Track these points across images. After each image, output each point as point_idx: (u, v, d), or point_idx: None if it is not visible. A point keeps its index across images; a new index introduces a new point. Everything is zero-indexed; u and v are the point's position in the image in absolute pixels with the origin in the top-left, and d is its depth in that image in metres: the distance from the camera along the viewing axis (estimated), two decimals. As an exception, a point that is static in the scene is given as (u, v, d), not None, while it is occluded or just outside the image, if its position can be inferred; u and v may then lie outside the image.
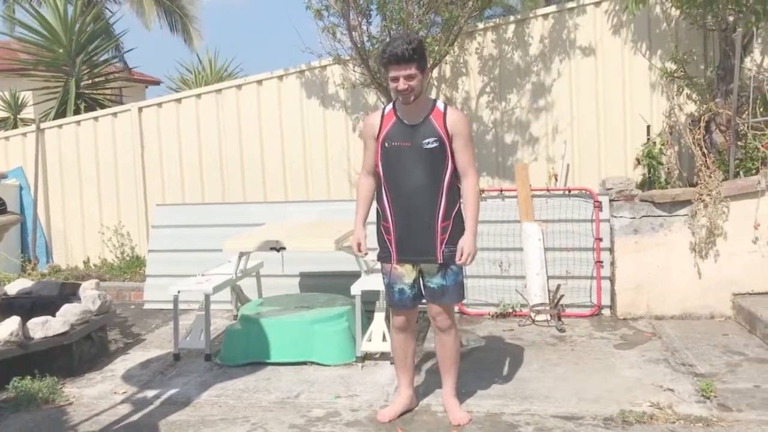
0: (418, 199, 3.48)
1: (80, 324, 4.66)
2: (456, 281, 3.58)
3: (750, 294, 5.37)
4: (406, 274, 3.59)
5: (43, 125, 8.14)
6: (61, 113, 9.43)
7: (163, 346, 5.22)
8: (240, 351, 4.71)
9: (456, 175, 3.53)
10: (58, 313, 4.61)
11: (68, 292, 5.35)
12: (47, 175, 8.08)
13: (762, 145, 5.54)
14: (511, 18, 7.12)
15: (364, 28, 6.33)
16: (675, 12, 6.51)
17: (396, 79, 3.38)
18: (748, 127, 5.67)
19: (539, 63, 6.96)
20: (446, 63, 7.01)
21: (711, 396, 3.80)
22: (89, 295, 4.99)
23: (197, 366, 4.71)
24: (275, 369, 4.57)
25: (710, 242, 5.39)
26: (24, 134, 8.18)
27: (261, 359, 4.67)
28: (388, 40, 4.87)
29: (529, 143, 7.01)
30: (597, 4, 6.82)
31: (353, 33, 6.20)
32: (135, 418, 3.86)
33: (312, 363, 4.64)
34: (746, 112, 5.71)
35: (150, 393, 4.22)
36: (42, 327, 4.43)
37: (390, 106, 3.61)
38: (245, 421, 3.75)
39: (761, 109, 5.72)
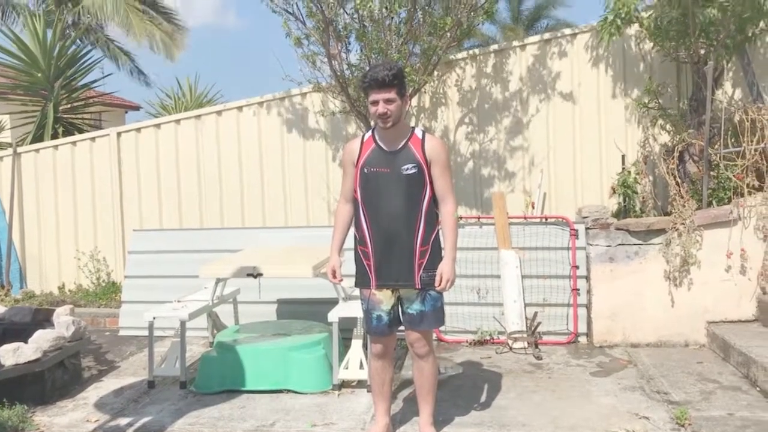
0: (397, 224, 3.50)
1: (53, 351, 4.59)
2: (435, 307, 3.59)
3: (723, 322, 5.43)
4: (385, 300, 3.60)
5: (19, 149, 8.07)
6: (38, 137, 9.37)
7: (138, 373, 5.16)
8: (215, 378, 4.66)
9: (434, 201, 3.57)
10: (30, 340, 4.54)
11: (42, 318, 5.26)
12: (23, 199, 7.99)
13: (734, 175, 5.65)
14: (490, 48, 7.23)
15: (344, 56, 6.40)
16: (649, 45, 6.66)
17: (376, 103, 3.43)
18: (720, 157, 5.78)
19: (517, 94, 7.06)
20: (425, 93, 7.09)
21: (685, 424, 3.83)
22: (63, 321, 4.92)
23: (172, 393, 4.65)
24: (251, 397, 4.53)
25: (684, 270, 5.46)
26: (0, 158, 8.11)
27: (237, 387, 4.62)
28: (367, 68, 4.94)
29: (506, 176, 7.08)
30: (573, 36, 6.96)
31: (333, 61, 6.26)
32: (107, 446, 3.80)
33: (288, 391, 4.59)
34: (718, 143, 5.83)
35: (123, 421, 4.15)
36: (13, 354, 4.35)
37: (369, 132, 3.65)
38: (220, 450, 3.70)
39: (732, 140, 5.84)
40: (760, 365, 4.40)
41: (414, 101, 6.99)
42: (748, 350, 4.68)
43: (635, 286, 5.53)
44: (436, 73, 6.84)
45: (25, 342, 4.49)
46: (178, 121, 7.76)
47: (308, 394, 4.54)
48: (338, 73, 6.29)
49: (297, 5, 6.28)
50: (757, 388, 4.37)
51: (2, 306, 5.85)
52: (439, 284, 3.50)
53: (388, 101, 3.43)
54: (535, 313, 5.68)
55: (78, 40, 10.72)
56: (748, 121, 5.67)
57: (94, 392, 4.75)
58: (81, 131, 9.59)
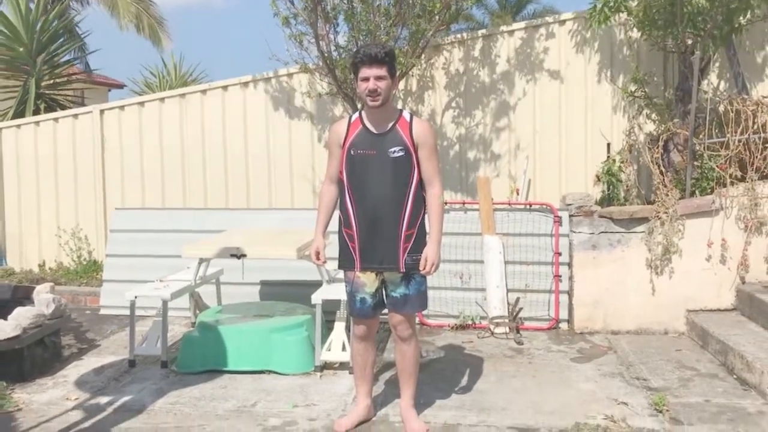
0: (383, 207, 3.48)
1: (33, 328, 4.55)
2: (419, 290, 3.59)
3: (703, 311, 5.49)
4: (369, 282, 3.59)
5: (0, 125, 7.96)
6: (19, 113, 9.25)
7: (119, 352, 5.13)
8: (197, 358, 4.65)
9: (421, 185, 3.56)
10: (9, 317, 4.50)
11: (21, 296, 5.21)
12: (3, 176, 7.89)
13: (717, 166, 5.69)
14: (478, 33, 7.21)
15: (332, 37, 6.35)
16: (636, 34, 6.66)
17: (366, 79, 3.41)
18: (704, 147, 5.81)
19: (504, 79, 7.05)
20: (413, 76, 7.06)
21: (663, 410, 3.87)
22: (43, 299, 4.88)
23: (153, 373, 4.64)
24: (232, 377, 4.53)
25: (666, 259, 5.50)
26: (-20, 133, 7.99)
27: (218, 367, 4.62)
28: (355, 50, 4.90)
29: (491, 161, 7.08)
30: (561, 23, 6.95)
31: (320, 42, 6.20)
32: (86, 425, 3.78)
33: (270, 372, 4.60)
34: (703, 133, 5.86)
35: (103, 399, 4.14)
36: (-8, 330, 4.32)
37: (356, 114, 3.62)
38: (200, 430, 3.70)
39: (716, 131, 5.87)
40: (737, 353, 4.45)
41: (401, 84, 6.97)
42: (726, 338, 4.73)
43: (617, 273, 5.57)
44: (423, 56, 6.81)
45: (5, 319, 4.45)
46: (162, 100, 7.68)
47: (290, 376, 4.54)
48: (325, 54, 6.24)
49: (285, -17, 6.22)
50: (734, 376, 4.43)
51: (-19, 282, 5.80)
52: (424, 268, 3.50)
53: (379, 78, 3.40)
54: (517, 299, 5.71)
55: (57, 19, 10.54)
56: (732, 112, 5.70)
57: (74, 370, 4.72)
58: (63, 108, 9.47)
